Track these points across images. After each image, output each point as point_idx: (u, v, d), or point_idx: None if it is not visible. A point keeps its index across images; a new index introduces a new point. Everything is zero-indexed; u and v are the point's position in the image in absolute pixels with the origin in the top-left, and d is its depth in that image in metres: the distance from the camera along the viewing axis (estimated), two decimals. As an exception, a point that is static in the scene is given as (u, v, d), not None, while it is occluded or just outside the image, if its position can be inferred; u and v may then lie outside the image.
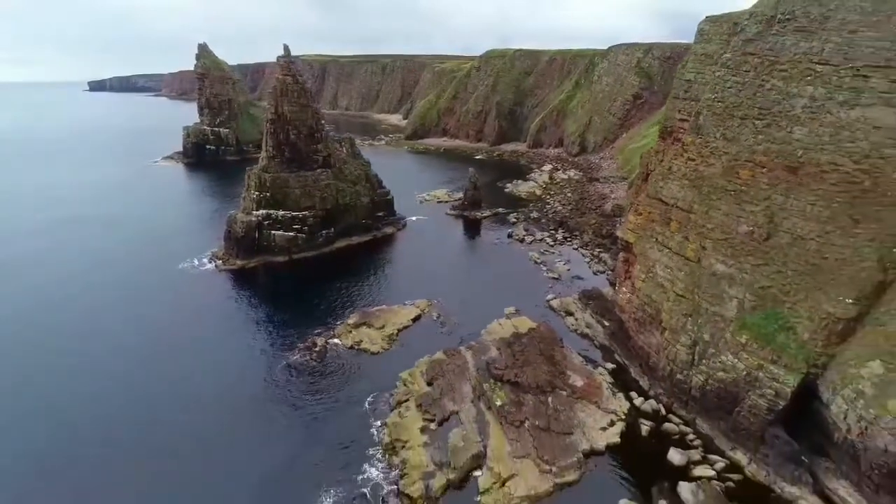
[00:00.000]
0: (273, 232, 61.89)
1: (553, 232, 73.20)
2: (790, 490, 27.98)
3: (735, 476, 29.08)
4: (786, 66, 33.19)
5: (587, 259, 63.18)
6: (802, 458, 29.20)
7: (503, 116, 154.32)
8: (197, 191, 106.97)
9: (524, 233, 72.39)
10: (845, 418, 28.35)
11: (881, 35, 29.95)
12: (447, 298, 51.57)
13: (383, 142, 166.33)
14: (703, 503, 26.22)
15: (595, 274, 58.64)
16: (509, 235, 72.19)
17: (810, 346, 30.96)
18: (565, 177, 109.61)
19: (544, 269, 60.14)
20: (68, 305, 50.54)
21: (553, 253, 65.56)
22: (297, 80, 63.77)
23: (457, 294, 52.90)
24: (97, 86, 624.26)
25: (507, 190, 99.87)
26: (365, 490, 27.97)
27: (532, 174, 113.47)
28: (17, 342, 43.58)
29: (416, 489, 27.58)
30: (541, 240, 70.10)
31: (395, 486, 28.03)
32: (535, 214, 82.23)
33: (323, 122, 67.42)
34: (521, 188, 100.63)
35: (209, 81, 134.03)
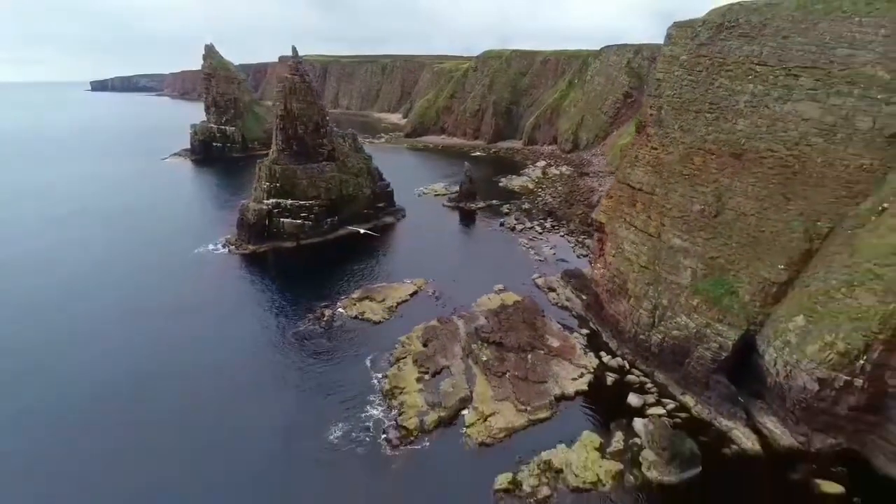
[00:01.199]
0: (282, 219, 67.03)
1: (542, 221, 78.37)
2: (727, 424, 33.08)
3: (683, 414, 34.24)
4: (731, 66, 38.38)
5: (572, 245, 68.42)
6: (739, 398, 34.35)
7: (499, 115, 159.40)
8: (206, 185, 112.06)
9: (515, 222, 77.54)
10: (775, 365, 33.55)
11: (808, 40, 35.19)
12: (442, 277, 56.71)
13: (383, 139, 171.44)
14: (652, 432, 31.23)
15: (578, 257, 63.82)
16: (501, 224, 77.38)
17: (750, 307, 36.14)
18: (557, 172, 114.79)
19: (532, 253, 65.35)
20: (94, 285, 55.51)
21: (541, 239, 70.76)
22: (305, 79, 68.91)
23: (451, 274, 58.04)
24: (99, 86, 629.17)
25: (501, 184, 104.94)
26: (368, 424, 33.13)
27: (526, 170, 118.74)
28: (54, 319, 48.69)
29: (411, 422, 32.75)
30: (531, 228, 75.29)
31: (394, 421, 33.18)
32: (526, 206, 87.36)
33: (328, 118, 72.58)
34: (514, 182, 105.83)
35: (216, 81, 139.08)
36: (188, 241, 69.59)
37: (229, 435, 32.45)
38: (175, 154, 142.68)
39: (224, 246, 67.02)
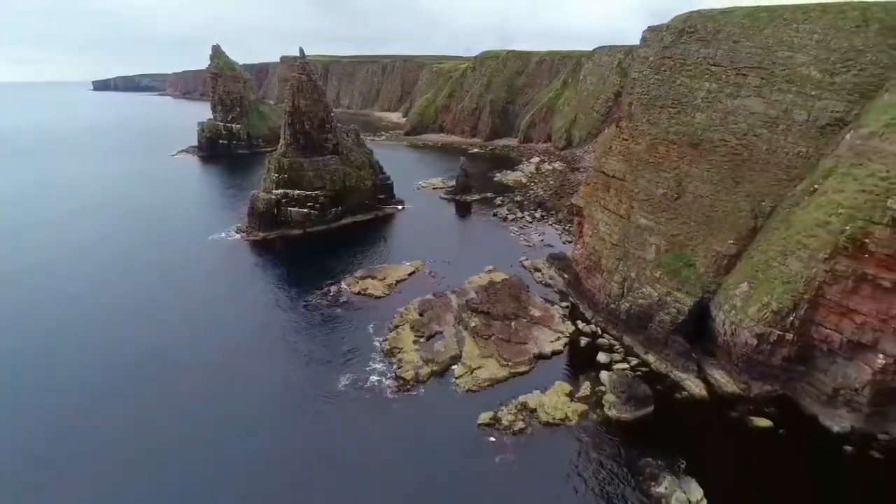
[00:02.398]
0: (290, 208, 72.19)
1: (533, 212, 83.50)
2: (680, 375, 38.18)
3: (644, 368, 39.36)
4: (691, 67, 43.60)
5: (559, 232, 73.58)
6: (693, 355, 39.45)
7: (496, 114, 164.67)
8: (214, 180, 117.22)
9: (507, 212, 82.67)
10: (724, 325, 38.71)
11: (755, 44, 40.41)
12: (438, 260, 61.85)
13: (384, 137, 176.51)
14: (615, 381, 36.32)
15: (564, 243, 68.85)
16: (494, 214, 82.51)
17: (705, 277, 41.36)
18: (550, 168, 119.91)
19: (521, 239, 70.51)
20: (121, 270, 60.51)
21: (530, 228, 75.91)
22: (311, 78, 74.07)
23: (446, 257, 63.12)
24: (101, 85, 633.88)
25: (496, 179, 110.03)
26: (372, 375, 38.32)
27: (520, 166, 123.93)
28: (90, 295, 53.88)
29: (408, 374, 37.93)
30: (521, 218, 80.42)
31: (394, 374, 38.37)
32: (518, 198, 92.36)
33: (332, 114, 77.72)
34: (508, 177, 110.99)
35: (222, 80, 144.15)
36: (202, 230, 74.79)
37: (251, 384, 37.65)
38: (183, 151, 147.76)
39: (236, 232, 72.18)
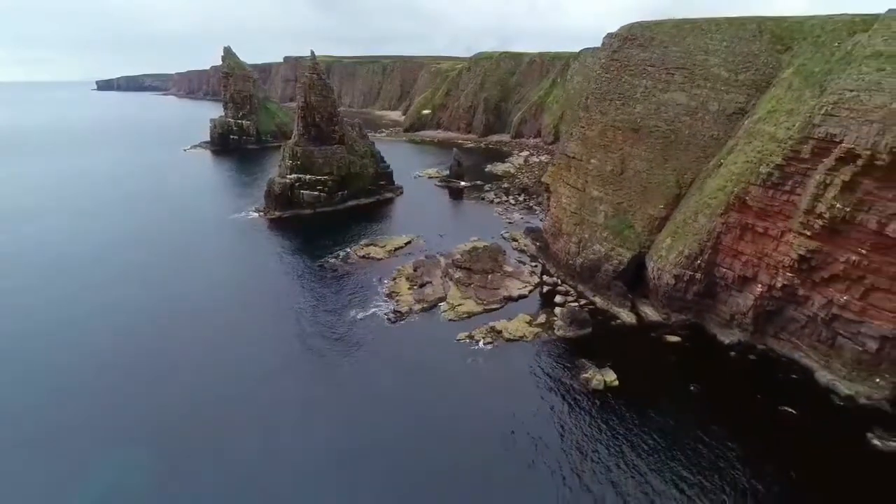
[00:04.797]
0: (302, 191, 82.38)
1: (517, 196, 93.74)
2: (617, 310, 48.41)
3: (590, 306, 49.61)
4: (632, 67, 53.81)
5: (538, 211, 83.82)
6: (629, 296, 49.73)
7: (490, 111, 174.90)
8: (228, 171, 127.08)
9: (494, 197, 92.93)
10: (653, 272, 49.00)
11: (680, 49, 50.68)
12: (431, 233, 72.04)
13: (384, 134, 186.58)
14: (564, 314, 46.58)
15: (541, 221, 78.96)
16: (482, 198, 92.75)
17: (642, 236, 51.57)
18: (537, 160, 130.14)
19: (504, 218, 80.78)
20: (153, 244, 70.76)
21: (514, 209, 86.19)
22: (321, 77, 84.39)
23: (438, 231, 73.28)
24: (105, 85, 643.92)
25: (487, 169, 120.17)
26: (375, 310, 48.65)
27: (510, 158, 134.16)
28: (121, 264, 64.17)
29: (404, 308, 48.26)
30: (506, 201, 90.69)
31: (393, 308, 48.70)
32: (505, 185, 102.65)
33: (339, 109, 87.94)
34: (498, 168, 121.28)
35: (233, 80, 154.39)
36: (222, 211, 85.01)
37: (279, 316, 47.95)
38: (195, 146, 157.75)
39: (255, 212, 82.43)
